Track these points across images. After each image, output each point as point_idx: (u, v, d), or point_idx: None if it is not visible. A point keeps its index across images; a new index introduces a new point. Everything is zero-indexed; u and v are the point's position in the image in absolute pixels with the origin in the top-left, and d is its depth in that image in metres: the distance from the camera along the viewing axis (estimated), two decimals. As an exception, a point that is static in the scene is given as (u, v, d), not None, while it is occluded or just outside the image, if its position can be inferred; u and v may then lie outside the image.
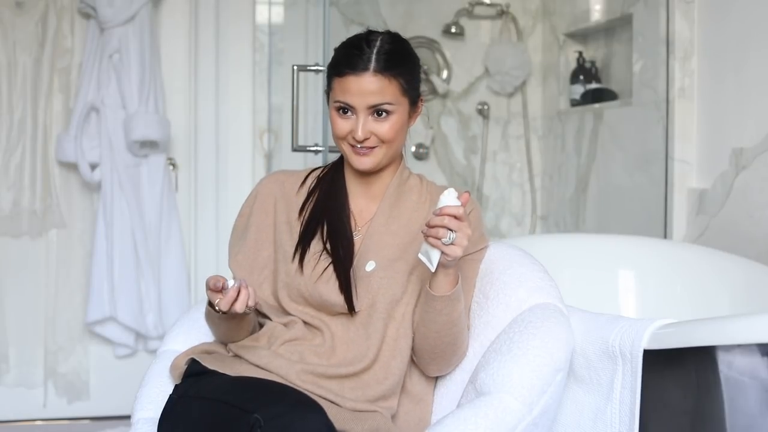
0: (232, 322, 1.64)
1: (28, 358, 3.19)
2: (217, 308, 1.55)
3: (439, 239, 1.46)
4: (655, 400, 1.51)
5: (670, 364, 1.49)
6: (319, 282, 1.63)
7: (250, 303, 1.54)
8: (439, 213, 1.46)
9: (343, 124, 1.63)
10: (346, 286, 1.61)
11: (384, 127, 1.62)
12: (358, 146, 1.63)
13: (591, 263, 2.39)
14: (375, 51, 1.60)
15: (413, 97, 1.67)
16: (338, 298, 1.62)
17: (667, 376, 1.50)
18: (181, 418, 1.54)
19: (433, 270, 1.51)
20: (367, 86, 1.59)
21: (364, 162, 1.65)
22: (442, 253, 1.48)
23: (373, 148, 1.64)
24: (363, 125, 1.61)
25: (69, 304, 3.18)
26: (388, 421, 1.57)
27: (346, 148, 1.66)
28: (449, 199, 1.47)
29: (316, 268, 1.64)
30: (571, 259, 2.37)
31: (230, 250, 1.77)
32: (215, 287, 1.53)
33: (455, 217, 1.46)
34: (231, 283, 1.53)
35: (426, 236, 1.48)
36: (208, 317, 1.69)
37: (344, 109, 1.62)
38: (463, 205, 1.48)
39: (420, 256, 1.52)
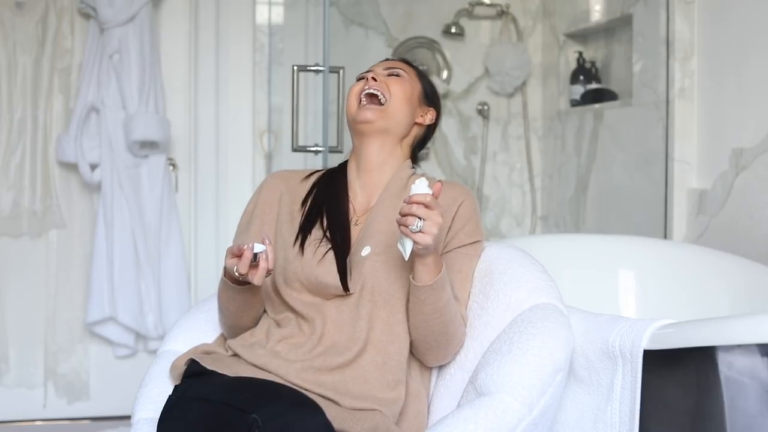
0: (246, 295, 1.65)
1: (28, 359, 3.19)
2: (236, 273, 1.56)
3: (408, 227, 1.49)
4: (655, 401, 1.51)
5: (670, 364, 1.49)
6: (317, 265, 1.66)
7: (271, 266, 1.57)
8: (409, 201, 1.49)
9: (358, 84, 1.78)
10: (341, 267, 1.65)
11: (394, 83, 1.77)
12: (366, 90, 1.74)
13: (591, 263, 2.39)
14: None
15: (426, 91, 1.83)
16: (334, 279, 1.64)
17: (667, 376, 1.50)
18: (180, 418, 1.54)
19: (406, 258, 1.53)
20: (388, 62, 1.83)
21: (365, 113, 1.74)
22: (414, 241, 1.50)
23: (378, 102, 1.74)
24: (377, 73, 1.78)
25: (69, 305, 3.18)
26: (387, 420, 1.57)
27: (353, 105, 1.76)
28: (419, 187, 1.50)
29: (316, 252, 1.68)
30: (571, 260, 2.37)
31: (234, 242, 1.78)
32: (238, 252, 1.55)
33: (424, 205, 1.48)
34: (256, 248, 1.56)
35: (398, 225, 1.51)
36: (224, 291, 1.68)
37: (362, 78, 1.79)
38: (435, 194, 1.51)
39: (398, 245, 1.54)
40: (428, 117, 1.83)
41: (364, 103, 1.75)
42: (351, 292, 1.65)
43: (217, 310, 1.77)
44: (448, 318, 1.63)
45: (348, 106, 1.78)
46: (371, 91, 1.74)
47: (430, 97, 1.84)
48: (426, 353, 1.68)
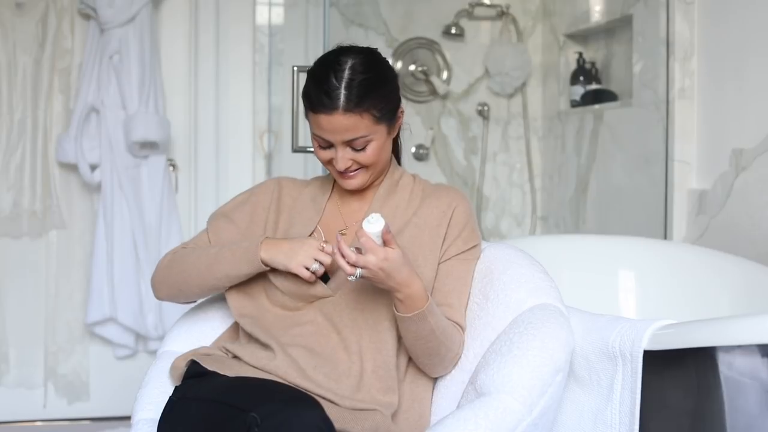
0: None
1: (28, 359, 3.19)
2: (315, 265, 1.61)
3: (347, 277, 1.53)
4: (655, 401, 1.51)
5: (670, 364, 1.49)
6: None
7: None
8: (339, 246, 1.52)
9: (325, 153, 1.66)
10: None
11: (363, 155, 1.64)
12: (343, 170, 1.66)
13: (591, 264, 2.39)
14: (344, 86, 1.58)
15: (389, 119, 1.66)
16: (314, 284, 1.64)
17: (667, 376, 1.50)
18: (180, 419, 1.55)
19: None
20: (339, 124, 1.59)
21: (351, 184, 1.68)
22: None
23: (357, 170, 1.66)
24: (342, 157, 1.63)
25: (69, 305, 3.18)
26: (387, 420, 1.57)
27: (332, 171, 1.69)
28: (367, 226, 1.51)
29: None
30: (571, 260, 2.37)
31: (211, 221, 1.78)
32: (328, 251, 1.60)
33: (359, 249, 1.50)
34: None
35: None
36: (230, 259, 1.66)
37: (322, 140, 1.64)
38: (385, 242, 1.52)
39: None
40: (399, 123, 1.72)
41: (343, 176, 1.68)
42: (332, 294, 1.64)
43: (173, 269, 1.73)
44: (436, 343, 1.61)
45: (321, 161, 1.69)
46: (348, 174, 1.67)
47: (394, 116, 1.67)
48: (423, 367, 1.68)
